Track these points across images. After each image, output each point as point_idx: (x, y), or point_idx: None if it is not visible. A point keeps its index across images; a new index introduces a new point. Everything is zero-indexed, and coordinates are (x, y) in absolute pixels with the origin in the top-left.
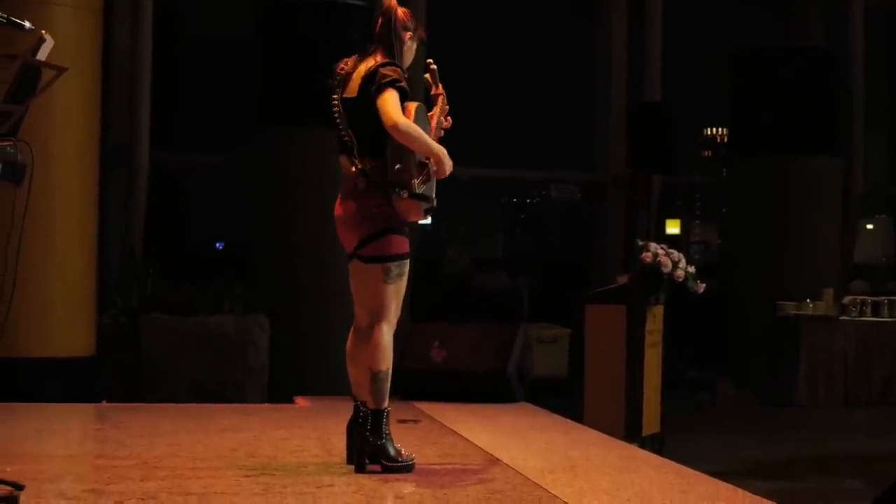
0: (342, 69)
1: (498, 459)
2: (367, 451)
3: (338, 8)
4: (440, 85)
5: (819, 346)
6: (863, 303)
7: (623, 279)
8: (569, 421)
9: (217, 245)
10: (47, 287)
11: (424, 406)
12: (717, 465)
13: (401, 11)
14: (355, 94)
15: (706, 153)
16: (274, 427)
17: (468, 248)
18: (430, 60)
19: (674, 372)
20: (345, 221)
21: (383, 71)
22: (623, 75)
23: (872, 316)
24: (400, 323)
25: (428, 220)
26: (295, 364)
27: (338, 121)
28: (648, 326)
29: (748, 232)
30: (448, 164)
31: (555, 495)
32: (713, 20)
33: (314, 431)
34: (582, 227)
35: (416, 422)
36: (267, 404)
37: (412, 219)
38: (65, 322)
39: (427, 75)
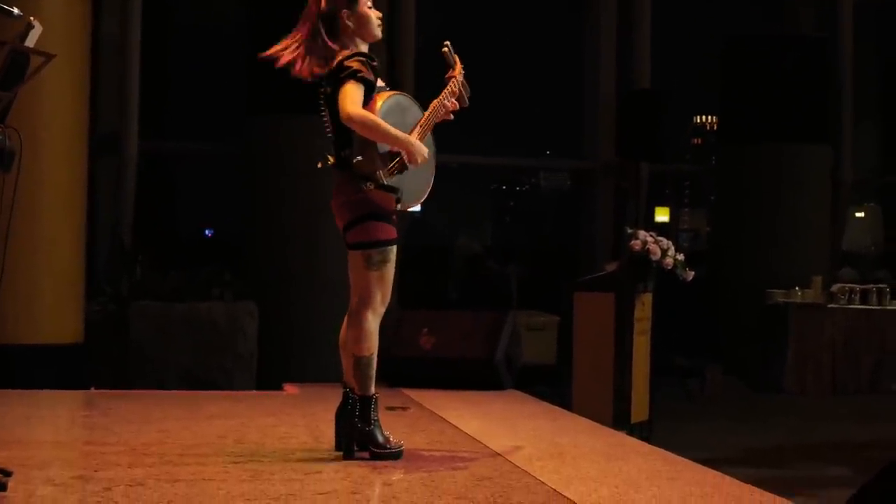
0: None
1: (486, 446)
2: (356, 437)
3: None
4: (458, 66)
5: (808, 334)
6: (851, 291)
7: (612, 267)
8: (557, 408)
9: (206, 232)
10: (36, 274)
11: (413, 393)
12: (705, 453)
13: (322, 3)
14: (329, 89)
15: (696, 141)
16: (262, 414)
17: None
18: (446, 42)
19: (662, 359)
20: (333, 208)
21: (346, 63)
22: (612, 63)
23: (861, 304)
24: (388, 310)
25: (417, 209)
26: (284, 351)
27: (322, 112)
28: (637, 314)
29: (737, 220)
30: (419, 153)
31: (542, 482)
32: (703, 8)
33: (302, 418)
34: (571, 215)
35: (404, 409)
36: (255, 391)
37: (390, 208)
38: (54, 309)
39: (446, 57)
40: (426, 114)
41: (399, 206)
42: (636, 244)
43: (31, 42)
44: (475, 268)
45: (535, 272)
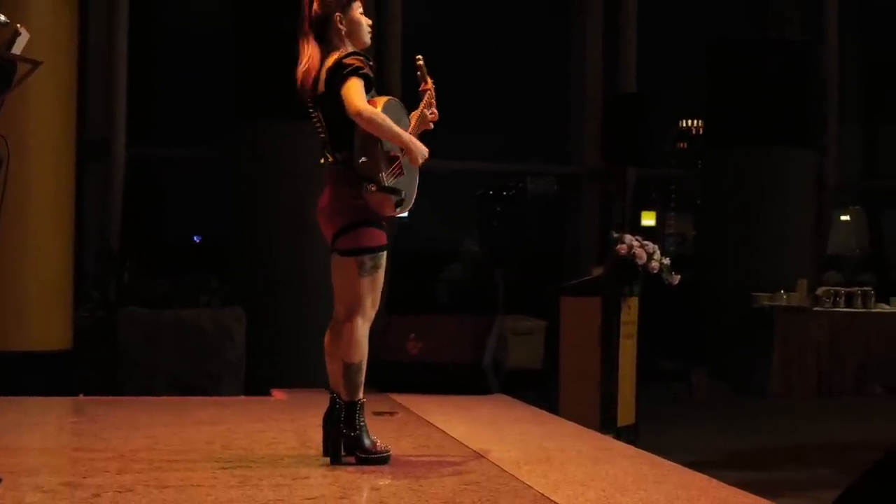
0: (305, 66)
1: (474, 451)
2: (343, 443)
3: None
4: (429, 80)
5: (793, 337)
6: (836, 294)
7: (598, 271)
8: (544, 412)
9: (195, 238)
10: (24, 280)
11: (401, 398)
12: (691, 456)
13: (315, 6)
14: (323, 89)
15: (681, 145)
16: (250, 419)
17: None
18: (418, 56)
19: (649, 363)
20: (323, 213)
21: (346, 61)
22: (598, 68)
23: (846, 307)
24: (378, 315)
25: (405, 215)
26: (272, 357)
27: (313, 117)
28: (623, 318)
29: (723, 224)
30: (420, 153)
31: (530, 486)
32: (688, 12)
33: (290, 424)
34: (557, 220)
35: (392, 414)
36: (243, 397)
37: (385, 212)
38: (41, 315)
39: (417, 73)
40: (413, 121)
41: (398, 211)
42: (622, 248)
43: (18, 49)
44: (478, 272)
45: (521, 277)
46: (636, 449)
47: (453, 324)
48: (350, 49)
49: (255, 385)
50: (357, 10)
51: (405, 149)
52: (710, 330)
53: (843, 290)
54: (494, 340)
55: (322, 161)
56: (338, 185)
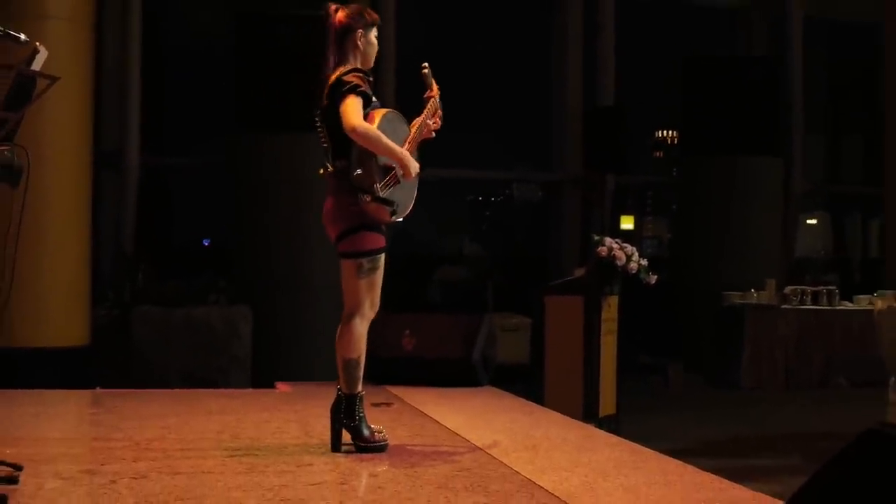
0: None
1: (465, 439)
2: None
3: (312, 21)
4: (434, 87)
5: (762, 333)
6: (803, 292)
7: (580, 272)
8: (531, 403)
9: (204, 241)
10: (44, 281)
11: (397, 390)
12: (668, 444)
13: (340, 15)
14: (326, 102)
15: (657, 154)
16: (257, 410)
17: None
18: (425, 64)
19: (628, 358)
20: (327, 218)
21: (346, 78)
22: (579, 82)
23: (812, 305)
24: (377, 313)
25: (400, 220)
26: (276, 352)
27: (317, 126)
28: (604, 315)
29: (697, 227)
30: (412, 168)
31: (517, 472)
32: (663, 29)
33: (294, 414)
34: (542, 224)
35: (388, 405)
36: (250, 389)
37: (382, 219)
38: (61, 314)
39: (423, 80)
40: (412, 132)
41: (393, 218)
42: (602, 250)
43: (37, 66)
44: (481, 273)
45: (509, 277)
46: (617, 437)
47: (445, 321)
48: (356, 65)
49: (261, 378)
50: (374, 34)
51: (399, 164)
52: (686, 326)
53: (809, 288)
54: (484, 337)
55: (321, 171)
56: (338, 193)
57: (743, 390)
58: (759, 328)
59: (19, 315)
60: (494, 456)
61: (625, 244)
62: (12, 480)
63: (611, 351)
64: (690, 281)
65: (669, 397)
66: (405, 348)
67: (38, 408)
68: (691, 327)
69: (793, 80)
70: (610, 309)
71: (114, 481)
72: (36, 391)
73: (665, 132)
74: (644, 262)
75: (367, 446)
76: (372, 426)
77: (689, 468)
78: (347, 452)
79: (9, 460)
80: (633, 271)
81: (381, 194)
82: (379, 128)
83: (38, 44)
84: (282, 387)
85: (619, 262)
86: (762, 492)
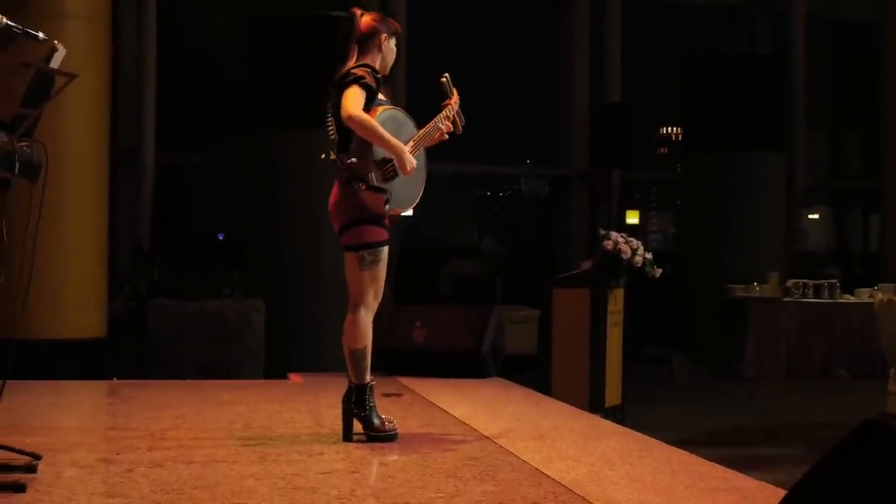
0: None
1: (474, 429)
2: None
3: (325, 20)
4: (455, 95)
5: (765, 325)
6: (805, 285)
7: (587, 265)
8: (538, 394)
9: (219, 236)
10: (63, 275)
11: (407, 381)
12: (672, 434)
13: (366, 18)
14: (336, 95)
15: (662, 150)
16: (269, 401)
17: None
18: (445, 74)
19: (633, 349)
20: (330, 211)
21: (353, 71)
22: (586, 79)
23: (814, 297)
24: (382, 304)
25: (409, 214)
26: (289, 344)
27: (327, 119)
28: (610, 308)
29: (700, 222)
30: (407, 161)
31: (525, 461)
32: (669, 28)
33: (306, 405)
34: (550, 218)
35: (398, 395)
36: (263, 380)
37: (380, 210)
38: (78, 306)
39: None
40: (421, 132)
41: (390, 210)
42: (608, 244)
43: (55, 63)
44: (498, 267)
45: (517, 270)
46: (623, 427)
47: (455, 313)
48: (370, 65)
49: (274, 369)
50: (394, 41)
51: (394, 156)
52: (690, 319)
53: (811, 282)
54: (493, 328)
55: (322, 156)
56: (341, 186)
57: (746, 381)
58: (762, 320)
59: (38, 308)
60: (503, 445)
61: (630, 238)
62: (31, 469)
63: (617, 342)
64: (694, 274)
65: (674, 388)
66: (416, 340)
67: (56, 398)
68: (695, 319)
69: (795, 78)
70: (616, 301)
71: (130, 470)
72: (53, 382)
73: (669, 129)
74: (649, 255)
75: (378, 435)
76: (382, 416)
77: (694, 457)
78: (358, 442)
79: (28, 449)
80: (639, 265)
81: (375, 183)
82: (379, 121)
83: (56, 42)
84: (294, 378)
85: (624, 256)
86: (766, 480)
